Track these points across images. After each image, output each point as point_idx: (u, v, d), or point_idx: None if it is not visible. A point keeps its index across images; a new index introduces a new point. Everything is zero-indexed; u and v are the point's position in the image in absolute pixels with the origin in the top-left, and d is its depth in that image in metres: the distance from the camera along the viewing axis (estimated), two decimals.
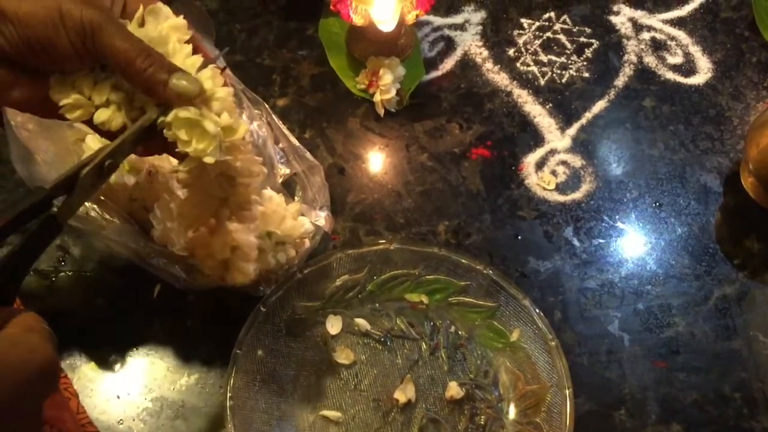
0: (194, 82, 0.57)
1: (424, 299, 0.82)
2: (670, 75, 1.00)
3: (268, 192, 0.79)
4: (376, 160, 0.93)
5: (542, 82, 0.99)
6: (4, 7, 0.53)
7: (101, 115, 0.58)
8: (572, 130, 0.95)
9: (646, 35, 1.02)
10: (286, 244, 0.77)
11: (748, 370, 0.82)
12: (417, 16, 0.91)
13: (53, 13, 0.53)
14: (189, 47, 0.59)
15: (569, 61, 1.00)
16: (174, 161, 0.77)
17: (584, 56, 1.01)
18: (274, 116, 0.84)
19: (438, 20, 1.03)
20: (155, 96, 0.57)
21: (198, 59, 0.59)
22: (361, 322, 0.81)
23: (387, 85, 0.93)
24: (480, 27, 1.03)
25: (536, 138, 0.95)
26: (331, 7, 0.91)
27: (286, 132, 0.85)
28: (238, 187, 0.65)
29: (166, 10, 0.59)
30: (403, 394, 0.78)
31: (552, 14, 1.04)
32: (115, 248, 0.80)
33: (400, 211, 0.89)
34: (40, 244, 0.55)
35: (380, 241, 0.83)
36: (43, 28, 0.53)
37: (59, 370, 0.50)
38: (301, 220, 0.78)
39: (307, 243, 0.79)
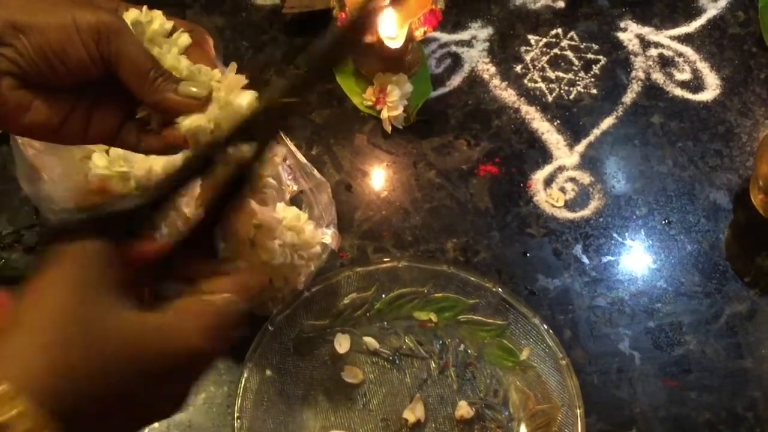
0: (202, 86, 0.56)
1: (433, 317, 0.82)
2: (678, 91, 0.99)
3: (282, 205, 0.78)
4: (384, 177, 0.92)
5: (550, 98, 0.98)
6: (17, 19, 0.52)
7: None
8: (580, 147, 0.95)
9: (653, 51, 1.02)
10: (305, 252, 0.76)
11: (760, 389, 0.81)
12: (425, 32, 0.90)
13: (67, 20, 0.53)
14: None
15: (577, 78, 1.00)
16: None
17: (592, 73, 1.00)
18: (281, 133, 0.84)
19: (445, 37, 1.03)
20: (164, 105, 0.56)
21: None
22: (370, 341, 0.81)
23: (394, 101, 0.93)
24: (487, 43, 1.02)
25: (544, 155, 0.94)
26: (339, 24, 0.91)
27: (293, 149, 0.85)
28: None
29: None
30: (413, 413, 0.77)
31: (559, 31, 1.03)
32: None
33: (408, 228, 0.89)
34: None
35: (388, 259, 0.82)
36: (56, 35, 0.53)
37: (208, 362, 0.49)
38: (318, 233, 0.78)
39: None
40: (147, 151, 0.62)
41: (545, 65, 1.01)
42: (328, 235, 0.80)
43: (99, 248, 0.44)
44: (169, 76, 0.56)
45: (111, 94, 0.58)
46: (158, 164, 0.76)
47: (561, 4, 1.05)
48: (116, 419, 0.43)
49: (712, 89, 1.00)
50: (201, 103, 0.56)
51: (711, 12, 1.06)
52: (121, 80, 0.57)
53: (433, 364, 0.81)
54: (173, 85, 0.56)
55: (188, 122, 0.57)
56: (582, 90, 0.99)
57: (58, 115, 0.57)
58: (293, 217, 0.76)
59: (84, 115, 0.59)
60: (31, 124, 0.57)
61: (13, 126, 0.57)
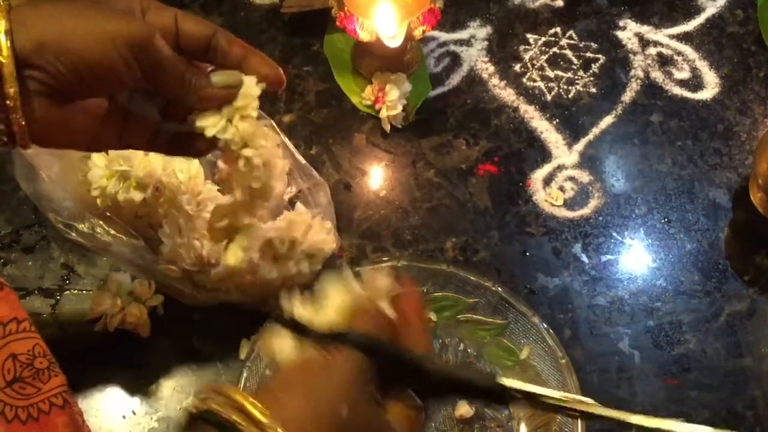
0: (233, 75, 0.58)
1: (433, 317, 0.82)
2: (678, 90, 0.99)
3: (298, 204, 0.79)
4: (383, 177, 0.92)
5: (549, 97, 0.98)
6: (46, 38, 0.50)
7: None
8: (579, 146, 0.95)
9: (652, 50, 1.02)
10: (313, 257, 0.77)
11: (760, 388, 0.81)
12: (423, 31, 0.90)
13: (101, 36, 0.51)
14: None
15: (576, 77, 1.00)
16: (181, 176, 0.77)
17: (591, 71, 1.00)
18: (280, 133, 0.84)
19: (444, 36, 1.03)
20: (202, 102, 0.58)
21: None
22: None
23: (393, 101, 0.93)
24: (486, 42, 1.02)
25: (543, 154, 0.94)
26: (337, 23, 0.91)
27: (292, 149, 0.84)
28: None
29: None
30: None
31: (558, 29, 1.03)
32: (122, 265, 0.80)
33: (407, 227, 0.89)
34: None
35: (387, 258, 0.82)
36: (91, 53, 0.51)
37: None
38: (328, 237, 0.78)
39: None
40: (179, 155, 0.66)
41: (544, 64, 1.01)
42: (330, 234, 0.80)
43: (370, 365, 0.49)
44: (199, 72, 0.58)
45: (142, 102, 0.59)
46: (158, 164, 0.76)
47: (560, 3, 1.05)
48: None
49: (711, 88, 0.99)
50: (236, 90, 0.59)
51: (710, 10, 1.06)
52: (157, 86, 0.57)
53: None
54: (207, 80, 0.58)
55: (213, 130, 0.59)
56: (581, 89, 0.99)
57: (92, 129, 0.57)
58: (300, 223, 0.77)
59: (117, 123, 0.58)
60: (66, 140, 0.57)
61: (47, 143, 0.57)
